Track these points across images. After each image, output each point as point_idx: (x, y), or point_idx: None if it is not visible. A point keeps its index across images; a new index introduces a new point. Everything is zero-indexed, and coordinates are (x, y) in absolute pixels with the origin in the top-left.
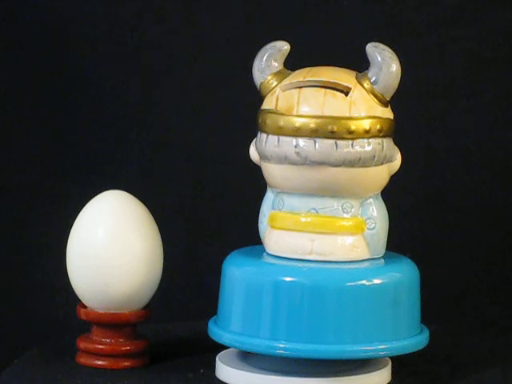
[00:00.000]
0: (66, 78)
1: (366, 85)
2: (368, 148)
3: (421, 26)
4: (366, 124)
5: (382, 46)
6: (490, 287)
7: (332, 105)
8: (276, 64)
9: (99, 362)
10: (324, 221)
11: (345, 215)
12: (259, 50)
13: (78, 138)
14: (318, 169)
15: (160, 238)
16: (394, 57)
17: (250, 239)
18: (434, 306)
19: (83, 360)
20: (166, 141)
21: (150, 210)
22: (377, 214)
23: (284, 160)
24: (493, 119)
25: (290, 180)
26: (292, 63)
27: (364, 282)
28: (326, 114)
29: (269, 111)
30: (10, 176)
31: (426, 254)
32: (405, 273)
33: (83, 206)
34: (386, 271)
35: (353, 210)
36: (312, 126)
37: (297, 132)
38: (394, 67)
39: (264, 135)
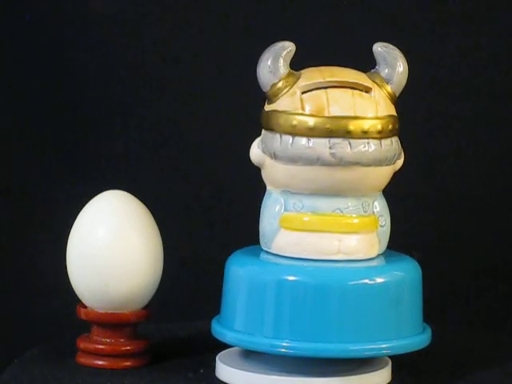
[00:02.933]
0: (65, 78)
1: (380, 84)
2: (391, 147)
3: (420, 26)
4: (389, 123)
5: (391, 45)
6: (490, 287)
7: (362, 105)
8: (285, 65)
9: (99, 362)
10: (350, 220)
11: (364, 214)
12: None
13: (78, 138)
14: (350, 169)
15: (160, 238)
16: (403, 56)
17: (251, 239)
18: (434, 305)
19: (83, 360)
20: (167, 141)
21: (150, 210)
22: (384, 211)
23: (315, 161)
24: (493, 119)
25: (318, 181)
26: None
27: (366, 280)
28: (359, 114)
29: (294, 113)
30: (10, 176)
31: (427, 253)
32: (407, 272)
33: (83, 206)
34: (388, 270)
35: (369, 208)
36: (346, 126)
37: (330, 133)
38: (404, 67)
39: (288, 137)
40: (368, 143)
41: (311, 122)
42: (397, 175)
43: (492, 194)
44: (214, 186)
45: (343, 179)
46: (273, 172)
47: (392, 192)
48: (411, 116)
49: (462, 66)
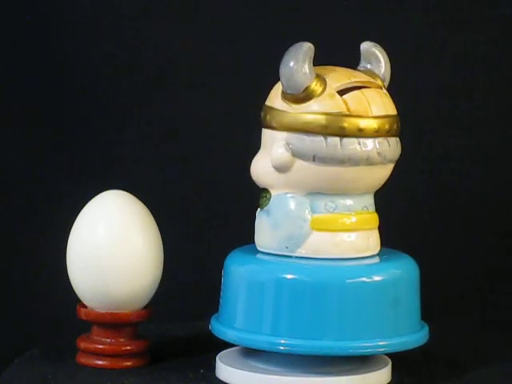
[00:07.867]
0: (65, 78)
1: (380, 83)
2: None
3: (419, 26)
4: (399, 120)
5: (378, 44)
6: (490, 286)
7: (389, 104)
8: (312, 66)
9: (99, 362)
10: (374, 217)
11: (374, 209)
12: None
13: (78, 138)
14: (385, 167)
15: (160, 238)
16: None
17: (251, 239)
18: (433, 304)
19: (83, 360)
20: (167, 141)
21: (150, 210)
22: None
23: (364, 161)
24: (492, 119)
25: (358, 181)
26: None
27: (364, 278)
28: (389, 112)
29: (340, 114)
30: (10, 176)
31: (426, 251)
32: (405, 270)
33: (83, 206)
34: (386, 268)
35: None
36: (386, 126)
37: (376, 133)
38: (388, 63)
39: (335, 139)
40: (397, 140)
41: (361, 122)
42: (397, 175)
43: (493, 192)
44: (214, 186)
45: (377, 177)
46: (302, 174)
47: (393, 191)
48: (411, 116)
49: (461, 65)
